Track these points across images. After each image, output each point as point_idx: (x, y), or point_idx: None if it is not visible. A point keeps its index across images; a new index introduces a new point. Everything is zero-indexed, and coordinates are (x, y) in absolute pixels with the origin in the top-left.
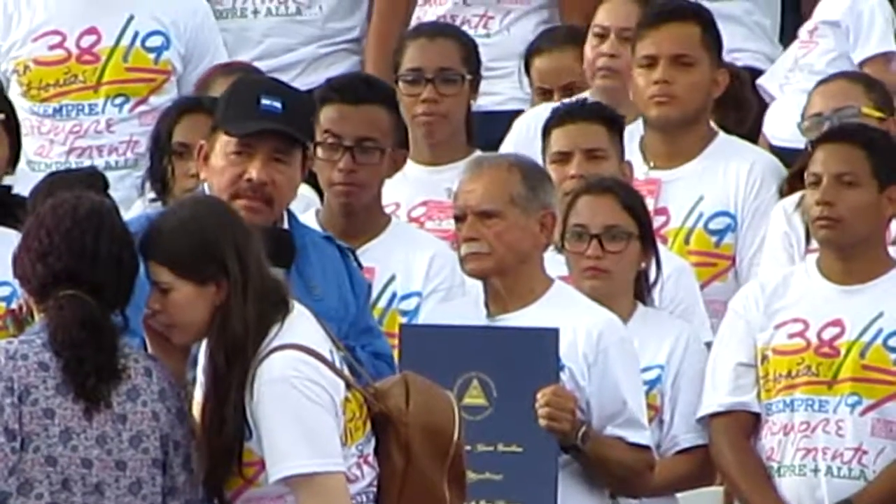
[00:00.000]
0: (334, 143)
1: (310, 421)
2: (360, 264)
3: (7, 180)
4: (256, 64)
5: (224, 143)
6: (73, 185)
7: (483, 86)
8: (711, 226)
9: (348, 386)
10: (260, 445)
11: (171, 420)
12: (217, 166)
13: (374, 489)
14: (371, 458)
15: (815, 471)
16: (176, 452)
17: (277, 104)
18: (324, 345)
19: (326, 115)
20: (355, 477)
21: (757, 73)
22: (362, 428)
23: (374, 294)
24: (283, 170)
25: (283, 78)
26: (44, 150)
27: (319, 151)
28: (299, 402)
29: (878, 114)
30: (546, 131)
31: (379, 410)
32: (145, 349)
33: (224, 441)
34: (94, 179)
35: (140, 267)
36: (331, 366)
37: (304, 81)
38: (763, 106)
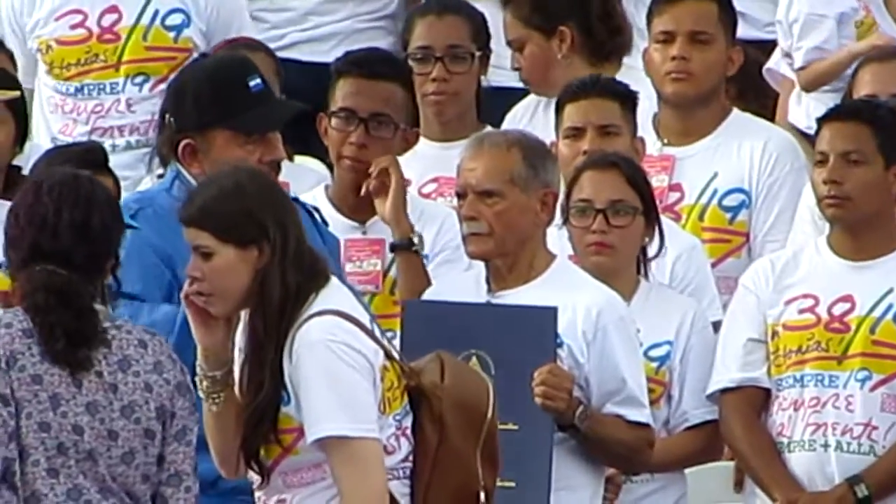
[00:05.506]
0: (348, 116)
1: (345, 385)
2: (325, 223)
3: (20, 160)
4: (298, 35)
5: (233, 137)
6: (69, 160)
7: (494, 60)
8: (726, 202)
9: (388, 356)
10: (298, 411)
11: (170, 392)
12: (233, 158)
13: (411, 464)
14: (409, 432)
15: (825, 446)
16: (172, 423)
17: (259, 80)
18: (364, 315)
19: (343, 90)
20: (393, 448)
21: None
22: (400, 398)
23: (387, 265)
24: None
25: (321, 48)
26: (67, 129)
27: (333, 123)
28: (336, 366)
29: None
30: (559, 106)
31: (414, 384)
32: (186, 325)
33: (260, 405)
34: (92, 154)
35: (122, 230)
36: (369, 333)
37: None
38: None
